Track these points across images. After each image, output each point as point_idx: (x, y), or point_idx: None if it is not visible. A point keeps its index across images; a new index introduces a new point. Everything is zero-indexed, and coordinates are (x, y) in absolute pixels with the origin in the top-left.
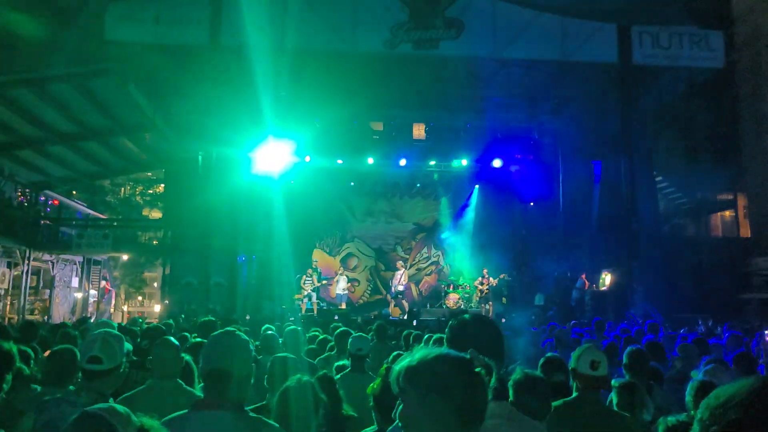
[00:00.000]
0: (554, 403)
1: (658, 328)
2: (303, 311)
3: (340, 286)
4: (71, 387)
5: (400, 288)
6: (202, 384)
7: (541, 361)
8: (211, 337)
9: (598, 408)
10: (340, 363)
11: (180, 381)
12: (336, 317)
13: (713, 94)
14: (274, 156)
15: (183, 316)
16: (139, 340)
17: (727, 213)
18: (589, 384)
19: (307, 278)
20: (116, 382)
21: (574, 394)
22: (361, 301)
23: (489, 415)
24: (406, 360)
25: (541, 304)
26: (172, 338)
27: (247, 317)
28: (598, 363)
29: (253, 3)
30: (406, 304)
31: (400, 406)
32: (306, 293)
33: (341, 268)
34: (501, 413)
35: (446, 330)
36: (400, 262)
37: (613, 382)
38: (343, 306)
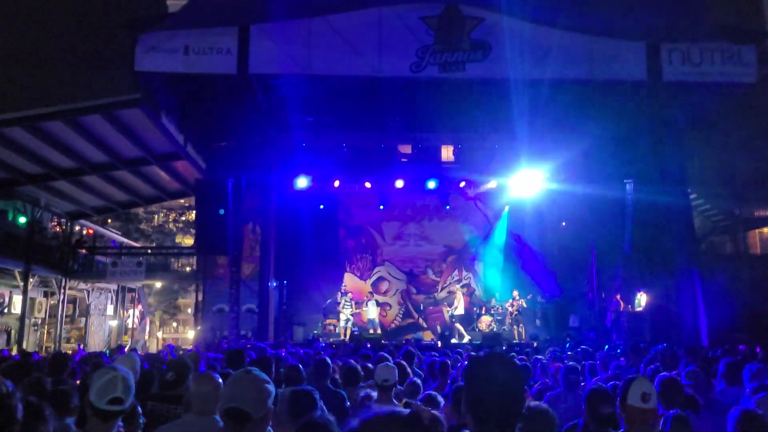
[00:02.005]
0: None
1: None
2: (342, 336)
3: (371, 312)
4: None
5: (461, 312)
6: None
7: (587, 393)
8: (230, 376)
9: None
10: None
11: (217, 418)
12: (368, 344)
13: (747, 108)
14: (303, 181)
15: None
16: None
17: (765, 230)
18: (639, 417)
19: (346, 303)
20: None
21: (623, 428)
22: (393, 326)
23: None
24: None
25: (576, 325)
26: (214, 373)
27: (283, 353)
28: (649, 395)
29: (279, 31)
30: (461, 328)
31: None
32: (345, 318)
33: (371, 294)
34: None
35: (466, 368)
36: (458, 285)
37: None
38: (372, 331)
